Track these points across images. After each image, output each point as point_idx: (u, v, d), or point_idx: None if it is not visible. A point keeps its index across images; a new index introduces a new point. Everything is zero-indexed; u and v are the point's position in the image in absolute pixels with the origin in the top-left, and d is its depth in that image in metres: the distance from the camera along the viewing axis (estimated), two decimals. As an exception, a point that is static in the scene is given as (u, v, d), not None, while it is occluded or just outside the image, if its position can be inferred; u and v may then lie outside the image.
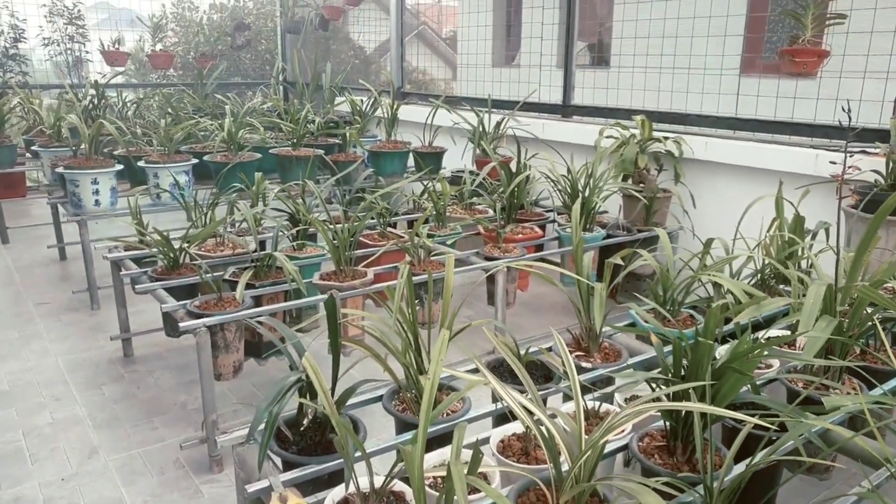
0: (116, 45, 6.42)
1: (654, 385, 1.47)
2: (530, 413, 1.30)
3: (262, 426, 1.36)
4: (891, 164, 2.67)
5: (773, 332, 1.87)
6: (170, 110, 4.76)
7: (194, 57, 7.23)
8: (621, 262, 2.17)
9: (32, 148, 4.59)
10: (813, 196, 2.73)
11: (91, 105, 4.95)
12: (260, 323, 2.61)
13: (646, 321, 2.13)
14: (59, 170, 3.65)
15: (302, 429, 1.47)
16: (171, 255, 2.68)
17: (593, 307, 1.84)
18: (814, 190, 2.80)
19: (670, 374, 1.47)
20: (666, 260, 2.22)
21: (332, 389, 1.50)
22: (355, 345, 1.58)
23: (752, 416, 1.17)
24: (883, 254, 2.59)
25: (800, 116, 3.32)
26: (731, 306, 1.89)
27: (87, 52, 6.69)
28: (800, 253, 2.25)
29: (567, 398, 1.80)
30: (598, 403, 1.67)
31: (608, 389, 1.71)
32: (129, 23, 7.65)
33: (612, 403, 1.70)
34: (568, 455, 1.24)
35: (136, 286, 2.61)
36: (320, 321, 2.87)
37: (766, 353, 1.48)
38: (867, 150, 2.93)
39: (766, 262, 2.34)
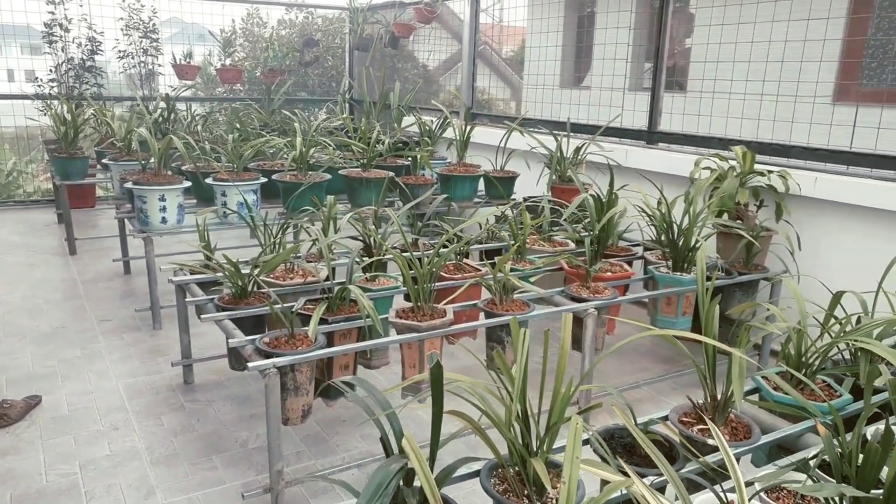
0: (188, 59, 6.47)
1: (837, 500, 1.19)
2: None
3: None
4: None
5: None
6: (237, 125, 4.69)
7: (262, 72, 7.23)
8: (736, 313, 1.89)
9: (103, 160, 4.58)
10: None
11: (161, 118, 4.94)
12: (331, 359, 2.43)
13: (776, 388, 1.85)
14: (128, 185, 3.57)
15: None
16: (240, 283, 2.53)
17: (733, 374, 1.56)
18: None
19: (845, 479, 1.20)
20: (798, 315, 1.93)
21: (430, 468, 1.28)
22: (456, 415, 1.36)
23: None
24: None
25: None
26: (890, 382, 1.59)
27: (159, 66, 6.76)
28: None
29: (693, 485, 1.53)
30: (725, 494, 1.40)
31: (752, 479, 1.43)
32: (199, 37, 7.74)
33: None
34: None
35: (202, 315, 2.46)
36: (390, 357, 2.67)
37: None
38: None
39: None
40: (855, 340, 1.75)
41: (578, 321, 2.67)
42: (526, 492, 1.39)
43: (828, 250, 3.18)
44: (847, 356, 2.02)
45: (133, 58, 6.57)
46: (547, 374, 1.48)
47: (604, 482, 1.49)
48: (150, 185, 3.50)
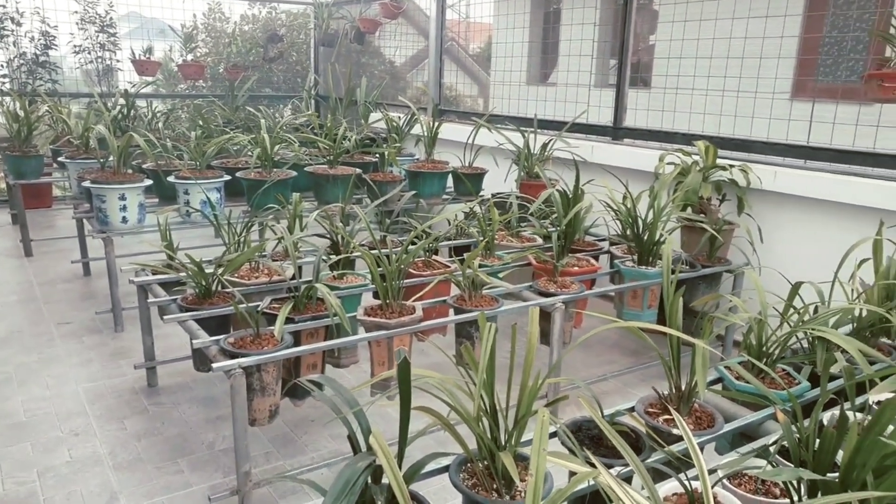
0: (147, 55, 6.32)
1: (795, 485, 1.22)
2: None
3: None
4: None
5: (883, 395, 1.62)
6: (200, 122, 4.60)
7: (225, 68, 7.11)
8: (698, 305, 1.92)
9: (59, 159, 4.45)
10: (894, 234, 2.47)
11: (120, 115, 4.82)
12: (298, 358, 2.40)
13: (738, 377, 1.89)
14: (86, 184, 3.48)
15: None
16: (204, 283, 2.48)
17: (696, 365, 1.59)
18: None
19: (804, 463, 1.23)
20: (759, 306, 1.97)
21: (399, 465, 1.27)
22: (424, 411, 1.35)
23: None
24: None
25: (882, 147, 3.06)
26: (846, 369, 1.64)
27: (117, 61, 6.59)
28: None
29: (659, 474, 1.55)
30: (689, 482, 1.42)
31: (715, 467, 1.46)
32: (160, 33, 7.57)
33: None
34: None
35: (165, 316, 2.41)
36: (359, 355, 2.65)
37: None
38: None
39: (867, 311, 2.08)
40: (812, 329, 1.80)
41: (546, 315, 2.69)
42: (495, 486, 1.40)
43: (787, 242, 3.25)
44: (805, 345, 2.07)
45: (89, 53, 6.40)
46: (515, 368, 1.48)
47: (572, 474, 1.50)
48: (110, 184, 3.41)
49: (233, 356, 2.04)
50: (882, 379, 1.41)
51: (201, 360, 2.48)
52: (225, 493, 2.11)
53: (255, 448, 2.50)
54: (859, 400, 1.69)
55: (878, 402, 1.62)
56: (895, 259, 2.19)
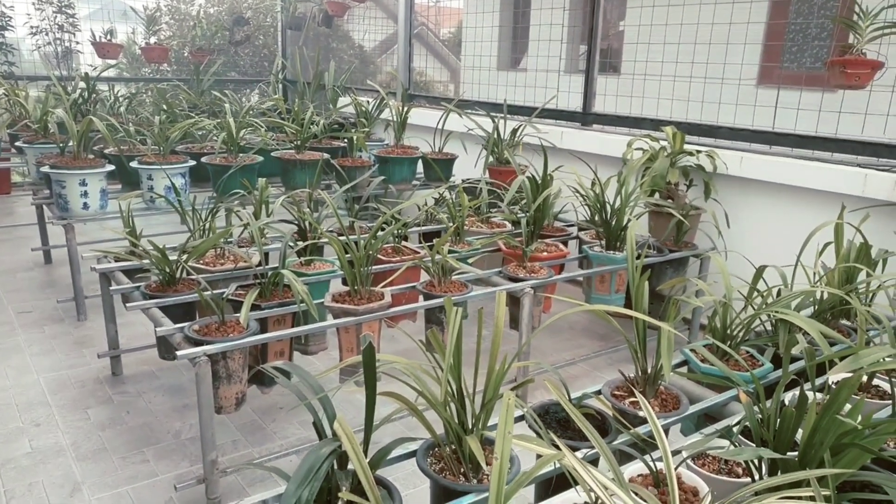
0: (108, 37, 6.14)
1: (756, 464, 1.24)
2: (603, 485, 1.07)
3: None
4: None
5: (841, 375, 1.66)
6: (164, 107, 4.49)
7: (190, 51, 6.95)
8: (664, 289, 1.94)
9: (17, 143, 4.31)
10: (858, 217, 2.52)
11: (81, 99, 4.68)
12: (265, 345, 2.38)
13: (703, 360, 1.91)
14: (45, 169, 3.38)
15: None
16: (168, 269, 2.43)
17: (662, 348, 1.60)
18: (861, 213, 2.59)
19: (766, 442, 1.25)
20: (724, 289, 2.00)
21: (365, 451, 1.26)
22: (390, 396, 1.34)
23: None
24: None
25: (843, 132, 3.12)
26: (807, 350, 1.67)
27: (77, 43, 6.40)
28: (872, 286, 2.04)
29: (625, 455, 1.57)
30: (654, 463, 1.44)
31: (679, 448, 1.48)
32: (122, 14, 7.35)
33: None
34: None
35: (128, 304, 2.36)
36: (328, 342, 2.63)
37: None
38: (921, 171, 2.74)
39: (828, 293, 2.12)
40: (775, 312, 1.83)
41: (516, 301, 2.70)
42: (462, 469, 1.40)
43: (752, 227, 3.31)
44: (769, 327, 2.11)
45: (47, 34, 6.20)
46: (484, 353, 1.48)
47: (539, 457, 1.51)
48: (70, 170, 3.31)
49: (198, 344, 2.01)
50: (841, 359, 1.44)
51: (166, 348, 2.44)
52: (192, 482, 2.08)
53: (222, 436, 2.47)
54: (819, 380, 1.73)
55: (837, 383, 1.66)
56: (855, 243, 2.24)
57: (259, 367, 1.82)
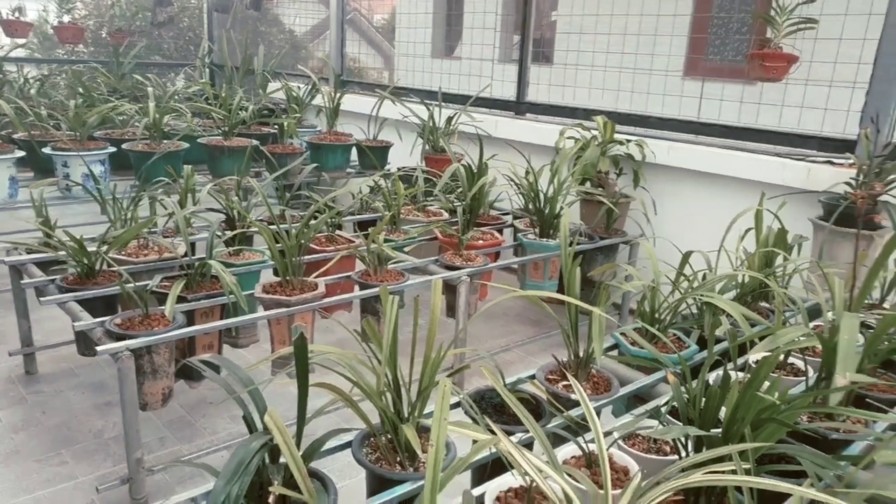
0: (17, 14, 5.75)
1: (682, 441, 1.28)
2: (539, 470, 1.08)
3: None
4: (861, 177, 2.62)
5: (761, 354, 1.74)
6: (81, 90, 4.25)
7: (108, 32, 6.60)
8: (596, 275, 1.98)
9: (-86, 127, 3.98)
10: (777, 204, 2.64)
11: (-14, 80, 4.37)
12: (192, 339, 2.29)
13: (633, 343, 1.96)
14: (-53, 155, 3.14)
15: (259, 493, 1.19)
16: (86, 261, 2.30)
17: (593, 332, 1.63)
18: (779, 200, 2.72)
19: (691, 420, 1.29)
20: (652, 274, 2.05)
21: (298, 444, 1.23)
22: (324, 387, 1.31)
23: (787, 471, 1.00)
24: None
25: (762, 123, 3.26)
26: (730, 331, 1.74)
27: (-19, 21, 5.96)
28: (788, 269, 2.14)
29: (559, 438, 1.59)
30: (587, 445, 1.47)
31: (610, 429, 1.51)
32: (33, -10, 6.90)
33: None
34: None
35: (42, 298, 2.22)
36: (259, 334, 2.56)
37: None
38: (833, 160, 2.89)
39: (748, 277, 2.22)
40: (701, 296, 1.89)
41: (452, 289, 2.70)
42: (398, 458, 1.39)
43: (679, 213, 3.42)
44: (695, 310, 2.18)
45: (-52, 10, 5.75)
46: (420, 341, 1.47)
47: (475, 443, 1.51)
48: (-26, 155, 3.09)
49: (120, 338, 1.92)
50: (761, 339, 1.50)
51: (86, 343, 2.32)
52: (115, 483, 1.99)
53: (148, 434, 2.38)
54: (741, 360, 1.81)
55: (757, 362, 1.73)
56: (773, 228, 2.34)
57: (185, 361, 1.75)
